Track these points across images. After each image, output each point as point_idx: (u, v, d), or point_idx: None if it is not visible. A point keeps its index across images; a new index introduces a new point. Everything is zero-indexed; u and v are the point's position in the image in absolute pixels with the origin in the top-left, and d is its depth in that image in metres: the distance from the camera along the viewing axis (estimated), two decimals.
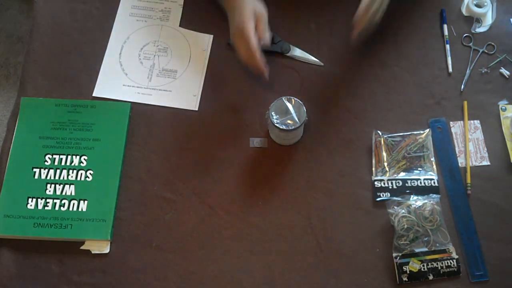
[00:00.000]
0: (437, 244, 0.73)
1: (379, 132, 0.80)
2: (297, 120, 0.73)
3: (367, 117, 0.82)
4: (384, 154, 0.79)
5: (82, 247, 0.73)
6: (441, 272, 0.72)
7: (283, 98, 0.74)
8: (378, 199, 0.77)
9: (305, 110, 0.74)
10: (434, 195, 0.76)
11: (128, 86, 0.83)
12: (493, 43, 0.86)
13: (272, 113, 0.74)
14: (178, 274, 0.72)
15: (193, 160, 0.79)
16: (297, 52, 0.85)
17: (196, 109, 0.82)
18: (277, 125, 0.73)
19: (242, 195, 0.77)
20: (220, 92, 0.82)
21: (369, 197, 0.77)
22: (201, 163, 0.79)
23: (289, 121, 0.73)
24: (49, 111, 0.79)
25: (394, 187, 0.77)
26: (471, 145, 0.80)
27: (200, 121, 0.81)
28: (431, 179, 0.77)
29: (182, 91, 0.83)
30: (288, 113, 0.74)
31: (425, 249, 0.73)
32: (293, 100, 0.74)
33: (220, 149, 0.79)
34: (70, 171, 0.76)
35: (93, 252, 0.73)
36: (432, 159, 0.78)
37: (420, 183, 0.77)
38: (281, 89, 0.80)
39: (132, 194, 0.76)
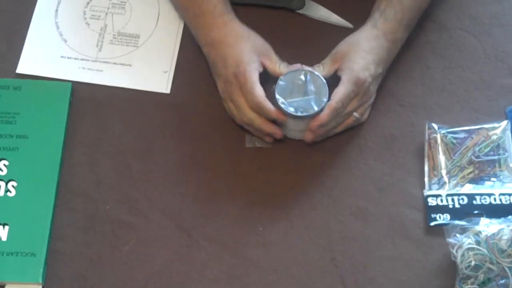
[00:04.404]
0: None
1: (434, 125, 0.79)
2: (315, 103, 0.74)
3: (416, 104, 0.82)
4: (442, 157, 0.78)
5: None
6: None
7: (299, 71, 0.75)
8: (433, 223, 0.76)
9: (327, 90, 0.74)
10: None
11: (68, 58, 0.83)
12: None
13: (280, 90, 0.74)
14: None
15: (164, 167, 0.79)
16: (315, 9, 0.85)
17: (168, 91, 0.82)
18: (284, 107, 0.74)
19: (234, 217, 0.76)
20: (203, 66, 0.82)
21: (419, 220, 0.77)
22: (176, 171, 0.79)
23: (303, 104, 0.74)
24: None
25: (456, 205, 0.77)
26: None
27: (174, 109, 0.81)
28: (510, 194, 0.77)
29: (147, 66, 0.83)
30: (303, 93, 0.75)
31: None
32: (310, 73, 0.75)
33: (203, 150, 0.79)
34: None
35: None
36: None
37: (494, 199, 0.77)
38: (292, 62, 0.78)
39: (75, 217, 0.76)
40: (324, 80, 0.75)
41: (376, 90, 0.79)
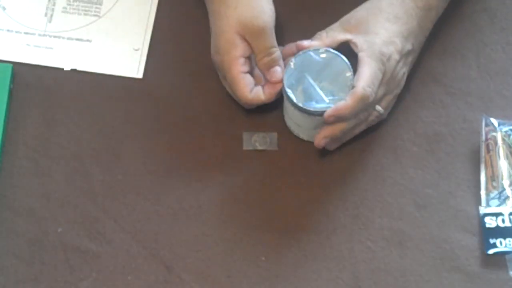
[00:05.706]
0: None
1: (492, 120, 0.78)
2: (329, 97, 0.73)
3: (469, 92, 0.81)
4: (504, 163, 0.77)
5: None
6: None
7: (314, 52, 0.74)
8: (492, 250, 0.74)
9: (351, 74, 0.73)
10: None
11: (7, 31, 0.83)
12: None
13: (290, 77, 0.74)
14: None
15: (134, 176, 0.78)
16: None
17: (140, 76, 0.82)
18: (293, 99, 0.73)
19: (227, 243, 0.75)
20: (186, 42, 0.82)
21: (473, 247, 0.75)
22: (150, 182, 0.77)
23: (319, 95, 0.74)
24: None
25: None
26: None
27: (148, 99, 0.81)
28: None
29: (112, 42, 0.83)
30: (324, 80, 0.74)
31: None
32: (327, 53, 0.74)
33: (186, 154, 0.78)
34: None
35: None
36: None
37: None
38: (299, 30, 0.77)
39: (16, 242, 0.74)
40: (345, 58, 0.73)
41: (406, 75, 0.76)
